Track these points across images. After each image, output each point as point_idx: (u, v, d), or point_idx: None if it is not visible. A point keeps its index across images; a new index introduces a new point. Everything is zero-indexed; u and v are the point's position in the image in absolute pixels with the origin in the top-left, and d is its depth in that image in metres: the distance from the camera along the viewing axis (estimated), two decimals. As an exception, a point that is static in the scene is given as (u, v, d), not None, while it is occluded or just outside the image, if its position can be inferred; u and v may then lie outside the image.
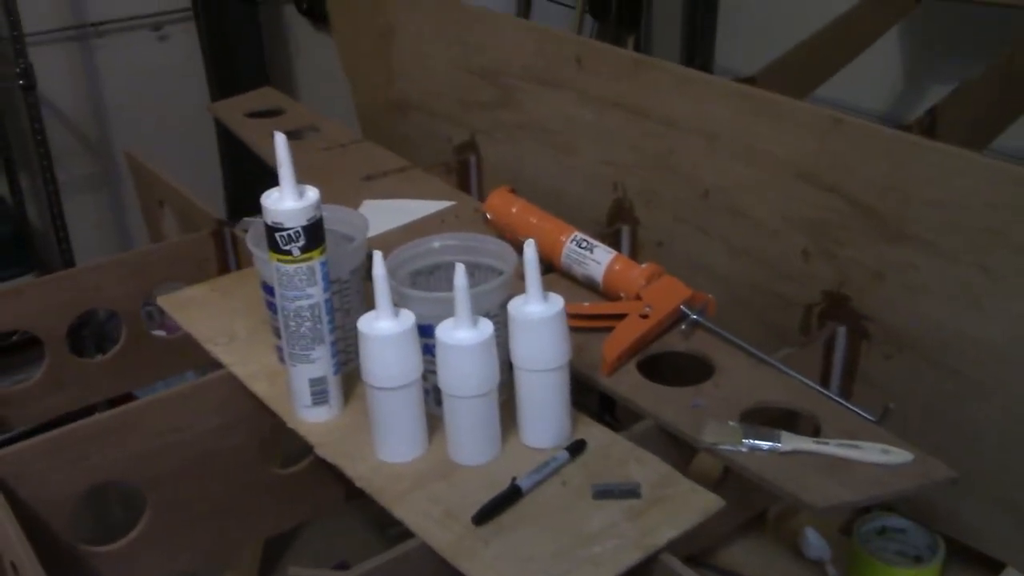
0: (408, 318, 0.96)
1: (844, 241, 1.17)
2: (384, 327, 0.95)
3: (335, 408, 1.06)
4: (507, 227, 1.32)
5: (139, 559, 1.16)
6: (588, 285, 1.26)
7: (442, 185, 1.60)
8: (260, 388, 1.12)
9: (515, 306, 0.97)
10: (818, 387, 1.08)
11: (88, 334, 2.44)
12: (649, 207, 1.42)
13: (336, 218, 1.14)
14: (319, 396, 1.05)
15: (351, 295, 1.10)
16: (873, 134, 1.11)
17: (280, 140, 0.95)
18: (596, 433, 1.03)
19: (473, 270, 1.09)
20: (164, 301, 1.29)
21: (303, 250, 0.97)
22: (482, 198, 1.72)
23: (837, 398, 1.07)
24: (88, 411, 1.28)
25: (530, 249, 0.95)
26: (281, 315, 1.02)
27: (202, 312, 1.26)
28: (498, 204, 1.34)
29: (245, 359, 1.17)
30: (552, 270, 1.30)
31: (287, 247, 0.97)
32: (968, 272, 1.06)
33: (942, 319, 1.10)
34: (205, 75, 2.80)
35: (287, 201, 0.97)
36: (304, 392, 1.05)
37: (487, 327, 0.95)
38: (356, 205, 1.52)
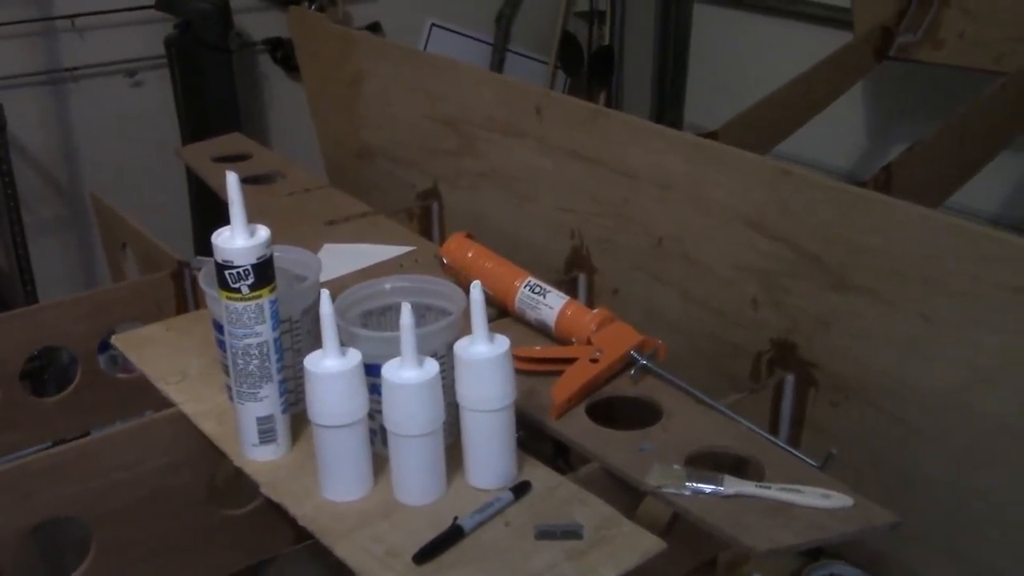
0: (355, 357, 0.97)
1: (791, 289, 1.19)
2: (330, 365, 0.95)
3: (283, 447, 1.06)
4: (463, 271, 1.34)
5: (83, 600, 1.15)
6: (541, 330, 1.27)
7: (403, 231, 1.61)
8: (208, 426, 1.12)
9: (461, 346, 0.98)
10: (764, 433, 1.10)
11: (50, 377, 2.42)
12: (605, 255, 1.44)
13: (289, 258, 1.15)
14: (266, 435, 1.05)
15: (302, 335, 1.10)
16: (818, 185, 1.14)
17: (232, 179, 0.96)
18: (541, 475, 1.03)
19: (424, 311, 1.10)
20: (119, 340, 1.29)
21: (252, 288, 0.98)
22: (443, 244, 1.74)
23: (782, 444, 1.08)
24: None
25: (476, 290, 0.96)
26: (229, 353, 1.02)
27: (156, 351, 1.26)
28: (454, 249, 1.35)
29: (196, 397, 1.17)
30: (506, 314, 1.31)
31: (236, 285, 0.98)
32: (910, 320, 1.08)
33: (886, 367, 1.12)
34: (178, 121, 2.82)
35: (237, 239, 0.97)
36: (251, 430, 1.05)
37: (432, 366, 0.96)
38: (317, 249, 1.53)
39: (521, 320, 1.29)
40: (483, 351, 0.97)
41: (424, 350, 0.98)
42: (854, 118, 2.61)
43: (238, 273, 0.97)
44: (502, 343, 0.98)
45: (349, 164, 1.95)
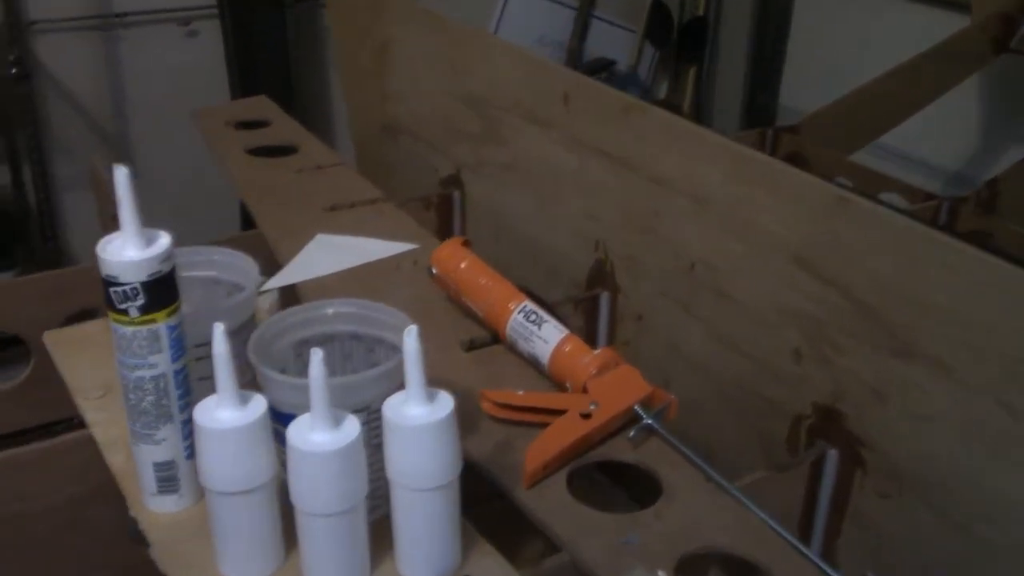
0: (258, 406, 0.77)
1: (842, 346, 0.95)
2: (224, 418, 0.76)
3: (187, 498, 0.88)
4: (452, 284, 1.13)
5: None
6: (534, 365, 1.05)
7: (410, 224, 1.40)
8: (116, 460, 0.94)
9: (391, 406, 0.77)
10: (786, 534, 0.86)
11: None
12: (631, 274, 1.22)
13: (223, 262, 0.96)
14: (167, 484, 0.87)
15: (228, 361, 0.91)
16: (884, 222, 0.89)
17: (120, 175, 0.77)
18: (491, 567, 0.83)
19: (374, 345, 0.90)
20: (51, 336, 1.12)
21: (143, 311, 0.79)
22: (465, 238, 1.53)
23: (807, 551, 0.85)
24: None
25: (411, 338, 0.75)
26: (121, 384, 0.84)
27: (87, 355, 1.09)
28: (446, 257, 1.14)
29: (114, 420, 0.99)
30: (499, 341, 1.10)
31: (123, 306, 0.79)
32: (987, 408, 0.83)
33: (952, 461, 0.87)
34: (228, 75, 2.66)
35: (126, 250, 0.78)
36: (149, 477, 0.87)
37: (352, 428, 0.76)
38: (309, 238, 1.34)
39: (513, 351, 1.08)
40: (418, 414, 0.76)
41: (349, 403, 0.78)
42: (964, 118, 2.29)
43: (125, 292, 0.78)
44: (444, 404, 0.77)
45: (374, 140, 1.75)
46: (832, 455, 0.98)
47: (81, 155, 2.69)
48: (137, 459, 0.87)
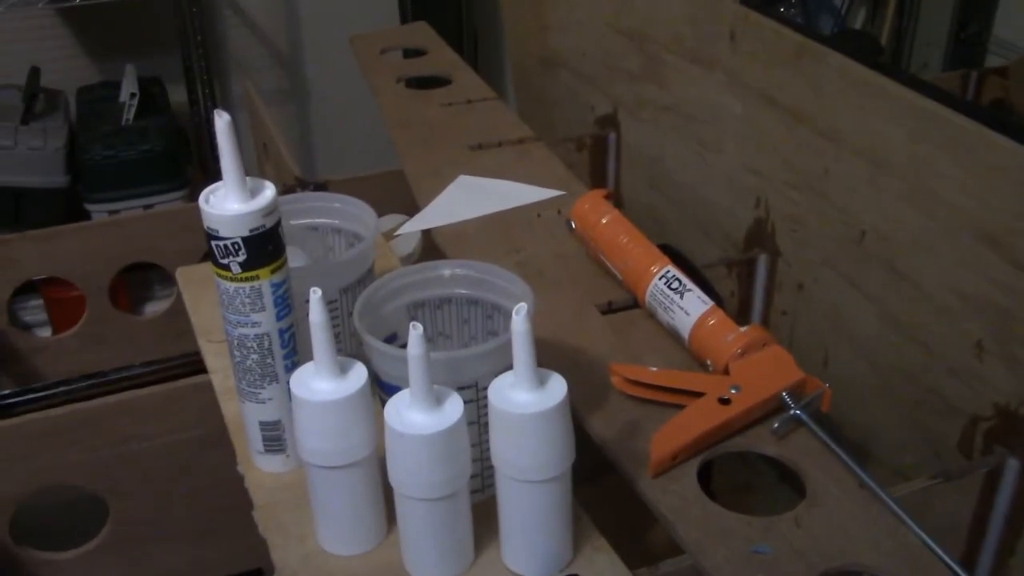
0: (358, 377, 0.72)
1: (1034, 344, 0.82)
2: (321, 389, 0.71)
3: (294, 459, 0.84)
4: (591, 241, 1.04)
5: (94, 574, 1.00)
6: (674, 337, 0.96)
7: (559, 167, 1.32)
8: (229, 410, 0.92)
9: (497, 389, 0.70)
10: (950, 559, 0.75)
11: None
12: (794, 237, 1.10)
13: (343, 209, 0.90)
14: (273, 443, 0.83)
15: (341, 318, 0.86)
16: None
17: (221, 123, 0.72)
18: (603, 563, 0.75)
19: (492, 312, 0.83)
20: (183, 273, 1.10)
21: (245, 267, 0.75)
22: (618, 184, 1.44)
23: (968, 580, 0.74)
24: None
25: (520, 318, 0.67)
26: (227, 339, 0.80)
27: (214, 296, 1.06)
28: (587, 211, 1.06)
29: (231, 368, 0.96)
30: (638, 305, 1.01)
31: (224, 261, 0.75)
32: None
33: None
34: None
35: (228, 203, 0.74)
36: (255, 435, 0.83)
37: (454, 409, 0.69)
38: (451, 177, 1.28)
39: (653, 318, 0.99)
40: (525, 401, 0.69)
41: (455, 379, 0.72)
42: None
43: (226, 247, 0.74)
44: (556, 389, 0.69)
45: (533, 73, 1.66)
46: (1012, 465, 0.85)
47: (254, 75, 2.72)
48: (244, 416, 0.84)
